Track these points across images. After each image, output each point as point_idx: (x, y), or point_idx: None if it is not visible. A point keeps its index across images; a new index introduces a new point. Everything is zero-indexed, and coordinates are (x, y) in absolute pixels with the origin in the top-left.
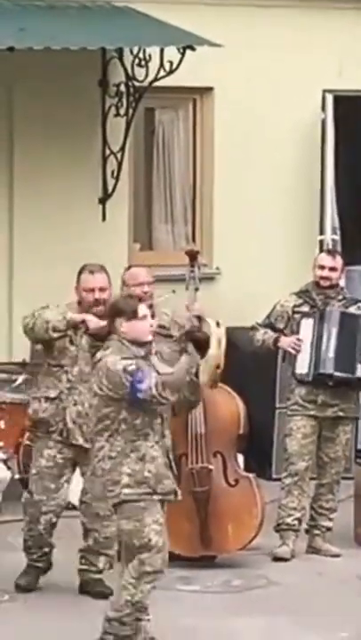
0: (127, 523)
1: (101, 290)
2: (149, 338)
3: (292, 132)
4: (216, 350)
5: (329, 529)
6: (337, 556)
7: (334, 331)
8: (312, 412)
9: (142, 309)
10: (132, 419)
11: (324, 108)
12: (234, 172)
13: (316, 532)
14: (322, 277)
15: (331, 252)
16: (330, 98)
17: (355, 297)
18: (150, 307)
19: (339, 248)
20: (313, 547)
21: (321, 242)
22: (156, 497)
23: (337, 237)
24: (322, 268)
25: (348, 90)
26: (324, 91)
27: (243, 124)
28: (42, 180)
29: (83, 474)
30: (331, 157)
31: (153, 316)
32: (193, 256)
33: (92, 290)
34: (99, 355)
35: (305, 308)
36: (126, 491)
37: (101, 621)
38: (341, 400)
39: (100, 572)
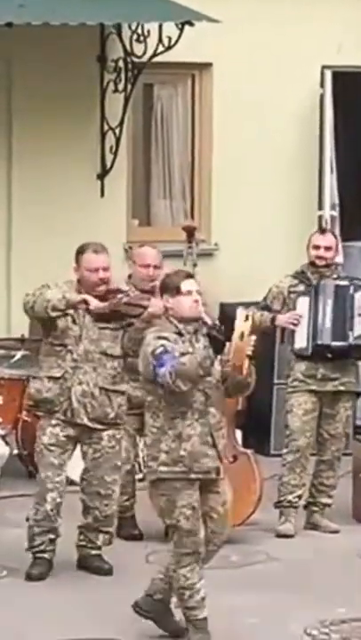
0: (160, 500)
1: (105, 269)
2: (195, 313)
3: (290, 107)
4: (238, 343)
5: (328, 505)
6: (336, 532)
7: (330, 302)
8: (313, 387)
9: (186, 285)
10: (169, 397)
11: (322, 83)
12: (232, 148)
13: (315, 508)
14: (317, 257)
15: (324, 232)
16: (328, 74)
17: (350, 276)
18: (153, 288)
19: (337, 224)
20: (312, 523)
21: (320, 217)
22: (193, 476)
23: (336, 213)
24: (316, 247)
25: (347, 66)
26: (323, 67)
27: (241, 100)
28: (40, 156)
29: (84, 453)
30: (329, 133)
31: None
32: (190, 232)
33: (97, 270)
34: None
35: (301, 288)
36: (162, 468)
37: (99, 596)
38: (341, 374)
39: (99, 548)
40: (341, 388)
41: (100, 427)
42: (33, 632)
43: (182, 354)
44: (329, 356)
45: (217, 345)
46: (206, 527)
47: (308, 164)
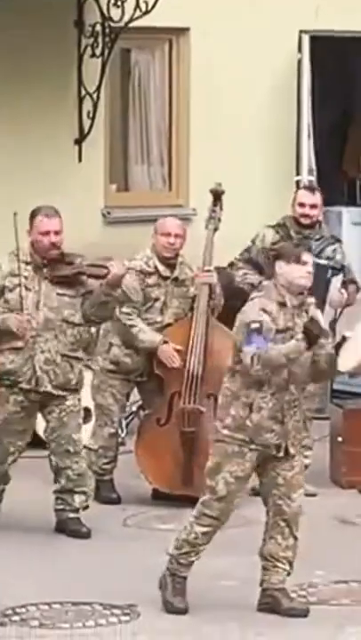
0: (211, 460)
1: (56, 233)
2: (304, 283)
3: (268, 72)
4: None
5: (306, 466)
6: (313, 495)
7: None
8: None
9: (306, 256)
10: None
11: (300, 48)
12: (210, 113)
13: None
14: (302, 215)
15: (311, 189)
16: (306, 38)
17: (333, 235)
18: (176, 257)
19: None
20: None
21: (298, 182)
22: (252, 446)
23: (313, 178)
24: (302, 205)
25: (325, 30)
26: (301, 31)
27: (219, 65)
28: (17, 122)
29: (49, 413)
30: (307, 98)
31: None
32: (217, 195)
33: (48, 233)
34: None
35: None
36: (225, 432)
37: (76, 559)
38: None
39: (77, 510)
40: None
41: (62, 393)
42: (12, 595)
43: (279, 331)
44: None
45: (310, 337)
46: (273, 495)
47: (286, 130)
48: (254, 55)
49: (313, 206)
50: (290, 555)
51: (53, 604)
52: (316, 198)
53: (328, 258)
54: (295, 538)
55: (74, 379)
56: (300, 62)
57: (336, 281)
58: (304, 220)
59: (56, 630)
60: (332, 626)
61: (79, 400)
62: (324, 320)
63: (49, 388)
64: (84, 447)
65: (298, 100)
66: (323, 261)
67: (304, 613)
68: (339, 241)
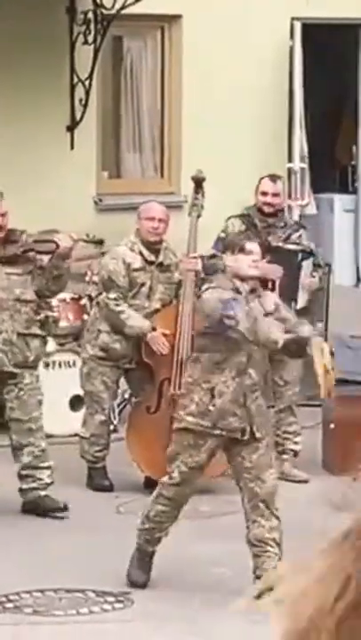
0: (170, 446)
1: (2, 215)
2: (252, 273)
3: (260, 59)
4: (326, 378)
5: (297, 453)
6: (305, 481)
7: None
8: None
9: (250, 245)
10: (212, 351)
11: (292, 35)
12: (202, 101)
13: (285, 456)
14: (265, 203)
15: (273, 178)
16: (298, 25)
17: (297, 222)
18: (160, 242)
19: (307, 176)
20: (282, 472)
21: (289, 170)
22: (217, 431)
23: (305, 165)
24: (264, 194)
25: (317, 17)
26: (293, 18)
27: (211, 52)
28: (10, 109)
29: (8, 393)
30: (299, 85)
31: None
32: (199, 182)
33: None
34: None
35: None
36: (189, 419)
37: (69, 546)
38: None
39: (48, 486)
40: None
41: (20, 371)
42: (5, 582)
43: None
44: None
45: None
46: (244, 479)
47: (278, 118)
48: (246, 42)
49: (275, 195)
50: (276, 536)
51: (47, 591)
52: (278, 187)
53: (295, 244)
54: (277, 518)
55: (31, 356)
56: (291, 49)
57: (307, 265)
58: (267, 209)
59: (50, 617)
60: None
61: (37, 377)
62: (299, 303)
63: (9, 368)
64: (76, 435)
65: (290, 88)
66: (292, 246)
67: None
68: (303, 227)
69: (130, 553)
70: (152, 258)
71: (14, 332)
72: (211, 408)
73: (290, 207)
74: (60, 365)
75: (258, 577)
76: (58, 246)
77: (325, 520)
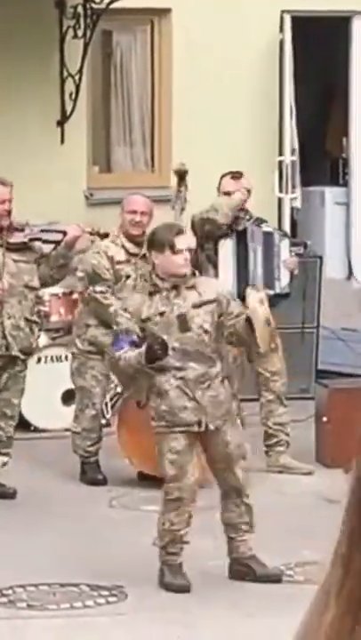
0: (156, 451)
1: (9, 201)
2: (183, 272)
3: (250, 53)
4: (264, 330)
5: (288, 443)
6: (309, 473)
7: (259, 249)
8: None
9: (181, 242)
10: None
11: (282, 28)
12: (192, 94)
13: (280, 448)
14: None
15: (235, 176)
16: (288, 18)
17: (259, 217)
18: (143, 234)
19: (298, 169)
20: (283, 465)
21: (280, 163)
22: (176, 429)
23: (296, 158)
24: (227, 194)
25: (307, 10)
26: (283, 11)
27: (201, 46)
28: None
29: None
30: (289, 78)
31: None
32: (181, 175)
33: (3, 202)
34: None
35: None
36: (153, 423)
37: (63, 540)
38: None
39: None
40: None
41: (23, 356)
42: (7, 578)
43: (138, 339)
44: None
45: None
46: (216, 469)
47: (269, 111)
48: (236, 36)
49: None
50: (247, 519)
51: (40, 585)
52: (240, 184)
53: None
54: (247, 505)
55: (34, 342)
56: (282, 42)
57: (285, 245)
58: None
59: (44, 611)
60: None
61: (26, 365)
62: (282, 281)
63: (16, 352)
64: (68, 430)
65: (280, 81)
66: (269, 229)
67: (278, 578)
68: (265, 221)
69: (123, 546)
70: (135, 250)
71: (22, 317)
72: (163, 408)
73: (281, 200)
74: (51, 360)
75: (234, 559)
76: (65, 235)
77: (318, 512)
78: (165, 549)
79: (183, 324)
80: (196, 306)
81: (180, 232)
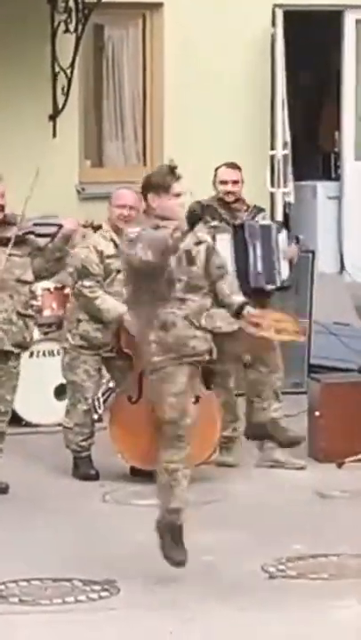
0: (152, 391)
1: (2, 196)
2: (179, 215)
3: (242, 47)
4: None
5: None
6: (302, 468)
7: (258, 244)
8: None
9: (177, 187)
10: (149, 288)
11: (274, 23)
12: (184, 88)
13: (273, 443)
14: (226, 192)
15: (231, 166)
16: (280, 13)
17: (256, 205)
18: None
19: (290, 163)
20: (276, 460)
21: (272, 157)
22: (185, 359)
23: (288, 152)
24: (224, 182)
25: (298, 4)
26: (275, 5)
27: (193, 40)
28: None
29: None
30: (281, 73)
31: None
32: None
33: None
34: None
35: (215, 222)
36: (155, 359)
37: (56, 535)
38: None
39: None
40: None
41: (17, 351)
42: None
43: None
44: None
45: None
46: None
47: (261, 105)
48: (228, 30)
49: (235, 182)
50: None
51: (32, 580)
52: (238, 175)
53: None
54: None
55: (28, 337)
56: (273, 37)
57: (283, 237)
58: (228, 198)
59: (36, 607)
60: (310, 600)
61: (20, 361)
62: (283, 274)
63: (9, 347)
64: (59, 425)
65: (272, 75)
66: (266, 222)
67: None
68: (263, 210)
69: (116, 541)
70: None
71: (14, 311)
72: (170, 340)
73: (273, 195)
74: (44, 354)
75: (172, 510)
76: (60, 228)
77: (311, 507)
78: (166, 508)
79: (190, 258)
80: (197, 243)
81: (176, 176)
